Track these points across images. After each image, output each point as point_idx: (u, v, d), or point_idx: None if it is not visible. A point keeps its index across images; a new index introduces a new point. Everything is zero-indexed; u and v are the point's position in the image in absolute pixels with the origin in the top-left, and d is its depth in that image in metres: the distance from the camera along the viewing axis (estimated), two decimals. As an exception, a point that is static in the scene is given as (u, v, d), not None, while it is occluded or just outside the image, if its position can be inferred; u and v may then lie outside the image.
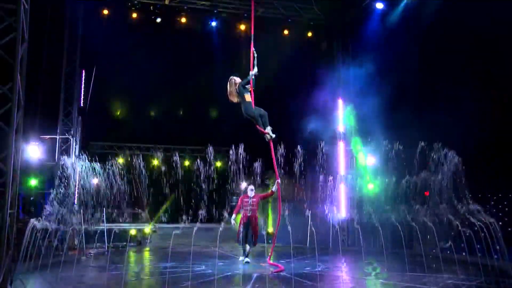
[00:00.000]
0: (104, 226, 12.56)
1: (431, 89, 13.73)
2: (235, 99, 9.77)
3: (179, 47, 17.34)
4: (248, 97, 9.67)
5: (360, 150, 15.42)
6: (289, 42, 16.81)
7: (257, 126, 9.61)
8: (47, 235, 10.29)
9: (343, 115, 15.81)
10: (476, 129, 12.24)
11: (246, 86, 9.74)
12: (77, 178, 14.90)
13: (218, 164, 22.31)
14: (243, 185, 11.60)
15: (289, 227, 10.96)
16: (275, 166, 10.20)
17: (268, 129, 9.53)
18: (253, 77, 9.81)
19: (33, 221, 9.78)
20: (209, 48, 17.13)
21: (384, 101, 13.65)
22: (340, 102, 15.86)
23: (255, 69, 9.85)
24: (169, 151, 21.30)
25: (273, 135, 9.56)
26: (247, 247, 10.76)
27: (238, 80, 9.76)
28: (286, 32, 16.69)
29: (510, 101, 12.09)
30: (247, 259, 10.77)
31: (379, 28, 14.87)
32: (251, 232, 10.59)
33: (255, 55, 10.02)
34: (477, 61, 12.39)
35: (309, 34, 16.74)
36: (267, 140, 9.68)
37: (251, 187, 11.34)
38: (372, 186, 15.44)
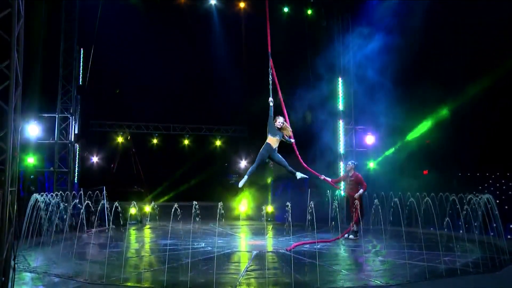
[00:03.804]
0: (105, 204, 12.64)
1: (432, 64, 13.67)
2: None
3: (179, 24, 17.16)
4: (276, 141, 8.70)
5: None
6: (288, 19, 16.67)
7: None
8: (49, 213, 10.38)
9: (343, 93, 15.77)
10: (476, 106, 12.24)
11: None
12: (77, 156, 14.94)
13: (218, 143, 22.33)
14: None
15: (288, 205, 11.08)
16: (313, 171, 10.35)
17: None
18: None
19: (35, 196, 9.87)
20: (209, 26, 16.99)
21: (384, 78, 13.60)
22: (340, 80, 15.80)
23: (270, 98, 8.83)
24: (169, 129, 21.32)
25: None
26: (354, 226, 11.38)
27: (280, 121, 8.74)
28: (285, 9, 16.54)
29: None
30: (349, 235, 11.43)
31: (379, 5, 14.71)
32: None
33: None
34: (478, 36, 12.32)
35: (309, 11, 16.61)
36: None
37: (349, 164, 11.77)
38: (372, 164, 15.51)
